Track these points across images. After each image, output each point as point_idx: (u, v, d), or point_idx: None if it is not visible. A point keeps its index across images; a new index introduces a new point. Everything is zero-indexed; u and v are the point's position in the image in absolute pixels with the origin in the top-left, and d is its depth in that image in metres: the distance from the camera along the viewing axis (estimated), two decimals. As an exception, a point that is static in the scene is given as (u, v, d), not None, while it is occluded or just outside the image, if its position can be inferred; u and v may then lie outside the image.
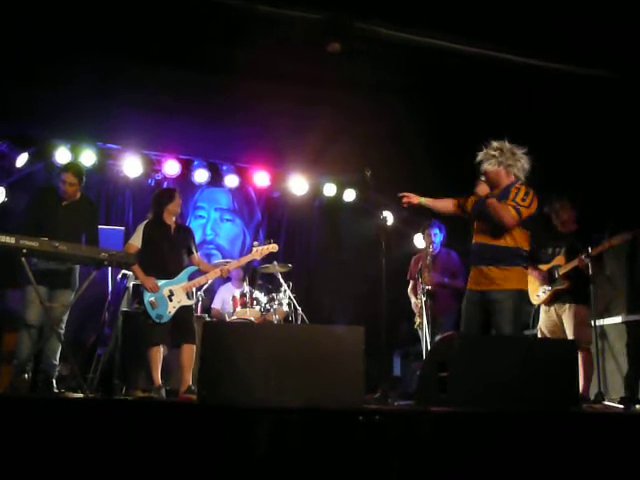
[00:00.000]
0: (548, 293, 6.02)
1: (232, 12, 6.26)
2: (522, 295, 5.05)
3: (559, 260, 6.01)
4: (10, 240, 4.83)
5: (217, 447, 3.50)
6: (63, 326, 5.58)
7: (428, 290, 6.80)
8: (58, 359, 5.59)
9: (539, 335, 6.16)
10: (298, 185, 9.21)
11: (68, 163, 7.04)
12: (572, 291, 5.91)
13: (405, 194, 5.40)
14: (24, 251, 4.87)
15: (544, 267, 6.09)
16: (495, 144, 5.14)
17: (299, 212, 9.59)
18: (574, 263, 5.82)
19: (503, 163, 5.08)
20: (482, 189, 5.12)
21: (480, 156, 5.17)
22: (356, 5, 5.80)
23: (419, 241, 9.35)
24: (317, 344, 3.84)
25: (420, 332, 6.95)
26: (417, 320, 7.00)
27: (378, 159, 6.70)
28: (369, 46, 6.39)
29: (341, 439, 3.57)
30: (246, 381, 3.74)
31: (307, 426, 3.52)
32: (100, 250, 5.25)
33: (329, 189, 9.35)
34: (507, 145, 5.11)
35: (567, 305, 5.96)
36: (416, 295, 7.15)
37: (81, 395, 5.09)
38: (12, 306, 6.36)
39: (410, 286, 7.37)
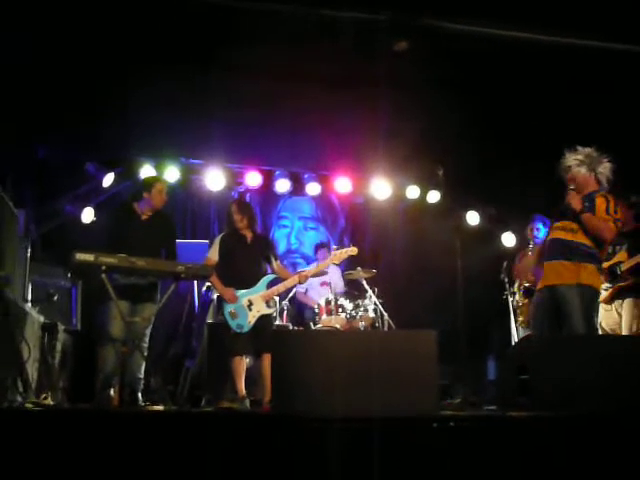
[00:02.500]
0: (610, 290, 5.86)
1: (301, 20, 6.27)
2: (593, 291, 4.93)
3: (621, 256, 5.82)
4: (89, 258, 4.96)
5: (288, 458, 3.46)
6: (147, 339, 5.67)
7: (526, 288, 6.81)
8: (143, 373, 5.68)
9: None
10: (380, 189, 9.08)
11: (152, 176, 7.17)
12: (633, 286, 5.74)
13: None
14: (103, 268, 4.99)
15: (604, 265, 5.84)
16: (583, 150, 5.10)
17: (383, 217, 9.46)
18: (638, 259, 5.57)
19: (595, 170, 5.06)
20: (575, 200, 5.01)
21: (569, 161, 5.13)
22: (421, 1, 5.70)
23: (508, 239, 9.10)
24: (387, 350, 3.72)
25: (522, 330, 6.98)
26: (520, 318, 7.02)
27: (457, 158, 6.57)
28: (441, 43, 6.26)
29: (415, 447, 3.45)
30: (315, 390, 3.66)
31: (378, 435, 3.42)
32: (177, 263, 5.31)
33: (412, 191, 9.17)
34: (594, 152, 5.09)
35: (626, 300, 5.78)
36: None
37: (162, 408, 5.16)
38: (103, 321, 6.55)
39: (517, 284, 7.36)
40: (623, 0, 5.61)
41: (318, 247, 8.61)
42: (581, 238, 4.97)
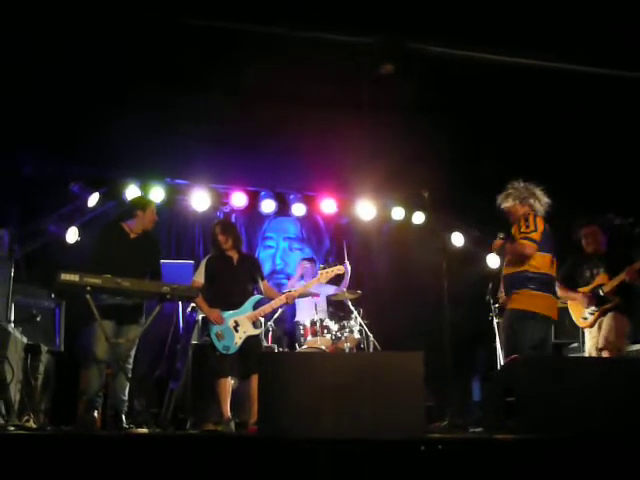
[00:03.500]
0: (596, 314, 5.94)
1: (286, 42, 6.31)
2: (520, 313, 5.22)
3: (602, 279, 5.98)
4: (74, 278, 4.92)
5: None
6: (131, 361, 5.60)
7: (500, 307, 6.85)
8: (127, 394, 5.62)
9: None
10: (366, 210, 9.09)
11: (144, 196, 7.19)
12: (617, 306, 5.89)
13: None
14: (88, 288, 4.95)
15: (585, 289, 6.05)
16: (511, 185, 5.60)
17: (368, 237, 9.46)
18: (621, 277, 5.74)
19: (518, 197, 5.51)
20: (495, 244, 5.62)
21: (499, 201, 5.63)
22: (407, 26, 5.74)
23: (493, 261, 9.12)
24: (375, 372, 3.72)
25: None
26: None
27: (441, 180, 6.60)
28: (425, 66, 6.31)
29: (403, 470, 3.43)
30: (303, 412, 3.65)
31: (366, 457, 3.40)
32: (162, 284, 5.29)
33: (397, 213, 9.19)
34: (521, 183, 5.58)
35: (608, 314, 5.90)
36: None
37: (146, 430, 5.10)
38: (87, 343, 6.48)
39: None
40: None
41: (302, 260, 8.52)
42: (513, 268, 5.38)
